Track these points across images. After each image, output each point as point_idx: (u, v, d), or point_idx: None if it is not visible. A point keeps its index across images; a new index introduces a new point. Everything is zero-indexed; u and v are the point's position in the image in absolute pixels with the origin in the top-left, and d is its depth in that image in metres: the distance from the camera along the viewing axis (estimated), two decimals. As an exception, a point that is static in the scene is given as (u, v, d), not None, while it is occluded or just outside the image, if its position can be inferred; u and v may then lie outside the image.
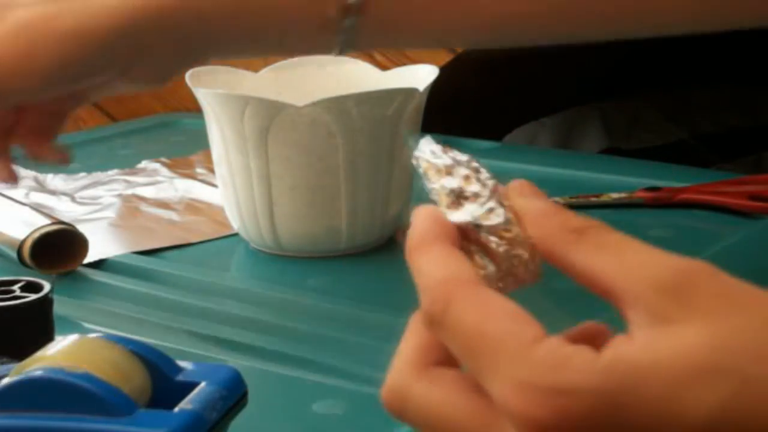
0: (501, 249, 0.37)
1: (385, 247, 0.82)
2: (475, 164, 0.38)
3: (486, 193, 0.38)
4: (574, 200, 0.89)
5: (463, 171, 0.38)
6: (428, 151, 0.39)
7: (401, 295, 0.75)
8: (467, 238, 0.38)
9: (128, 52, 0.62)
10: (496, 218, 0.38)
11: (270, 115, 0.77)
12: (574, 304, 0.74)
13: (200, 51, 0.65)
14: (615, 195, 0.90)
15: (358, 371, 0.63)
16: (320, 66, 0.88)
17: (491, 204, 0.38)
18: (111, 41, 0.61)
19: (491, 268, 0.38)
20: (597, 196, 0.90)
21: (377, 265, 0.79)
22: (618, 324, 0.75)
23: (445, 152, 0.39)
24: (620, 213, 0.88)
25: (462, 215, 0.38)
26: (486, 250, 0.38)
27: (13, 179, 0.68)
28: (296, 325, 0.70)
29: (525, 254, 0.38)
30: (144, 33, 0.61)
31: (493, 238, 0.37)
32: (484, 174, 0.38)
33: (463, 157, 0.39)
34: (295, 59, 0.87)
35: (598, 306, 0.71)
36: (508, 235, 0.38)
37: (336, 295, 0.74)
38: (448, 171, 0.38)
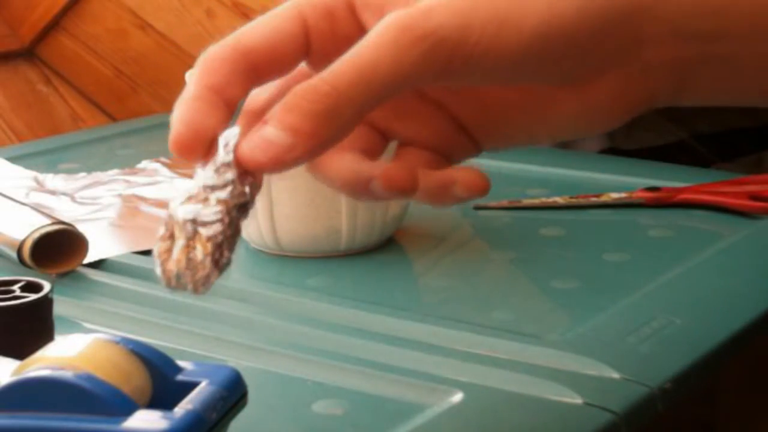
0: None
1: (385, 247, 0.82)
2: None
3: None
4: (574, 200, 0.89)
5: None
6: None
7: (401, 295, 0.76)
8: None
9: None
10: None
11: (270, 115, 0.77)
12: (575, 304, 0.74)
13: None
14: (615, 195, 0.90)
15: (358, 371, 0.63)
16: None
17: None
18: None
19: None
20: (597, 196, 0.90)
21: (377, 265, 0.79)
22: (619, 326, 0.75)
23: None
24: (620, 213, 0.88)
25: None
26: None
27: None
28: (296, 325, 0.70)
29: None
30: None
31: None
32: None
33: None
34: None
35: (598, 305, 0.71)
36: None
37: (336, 295, 0.74)
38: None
